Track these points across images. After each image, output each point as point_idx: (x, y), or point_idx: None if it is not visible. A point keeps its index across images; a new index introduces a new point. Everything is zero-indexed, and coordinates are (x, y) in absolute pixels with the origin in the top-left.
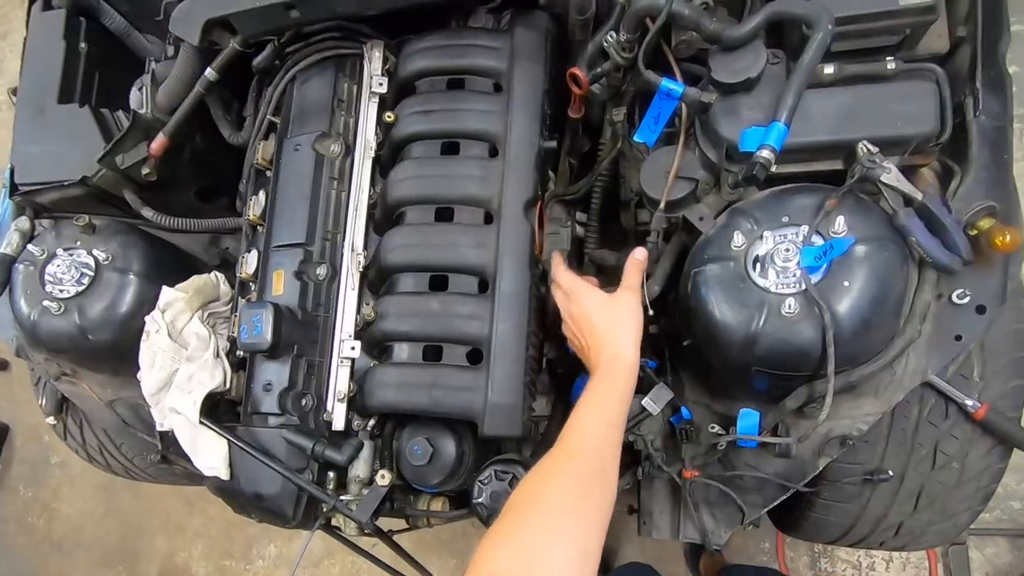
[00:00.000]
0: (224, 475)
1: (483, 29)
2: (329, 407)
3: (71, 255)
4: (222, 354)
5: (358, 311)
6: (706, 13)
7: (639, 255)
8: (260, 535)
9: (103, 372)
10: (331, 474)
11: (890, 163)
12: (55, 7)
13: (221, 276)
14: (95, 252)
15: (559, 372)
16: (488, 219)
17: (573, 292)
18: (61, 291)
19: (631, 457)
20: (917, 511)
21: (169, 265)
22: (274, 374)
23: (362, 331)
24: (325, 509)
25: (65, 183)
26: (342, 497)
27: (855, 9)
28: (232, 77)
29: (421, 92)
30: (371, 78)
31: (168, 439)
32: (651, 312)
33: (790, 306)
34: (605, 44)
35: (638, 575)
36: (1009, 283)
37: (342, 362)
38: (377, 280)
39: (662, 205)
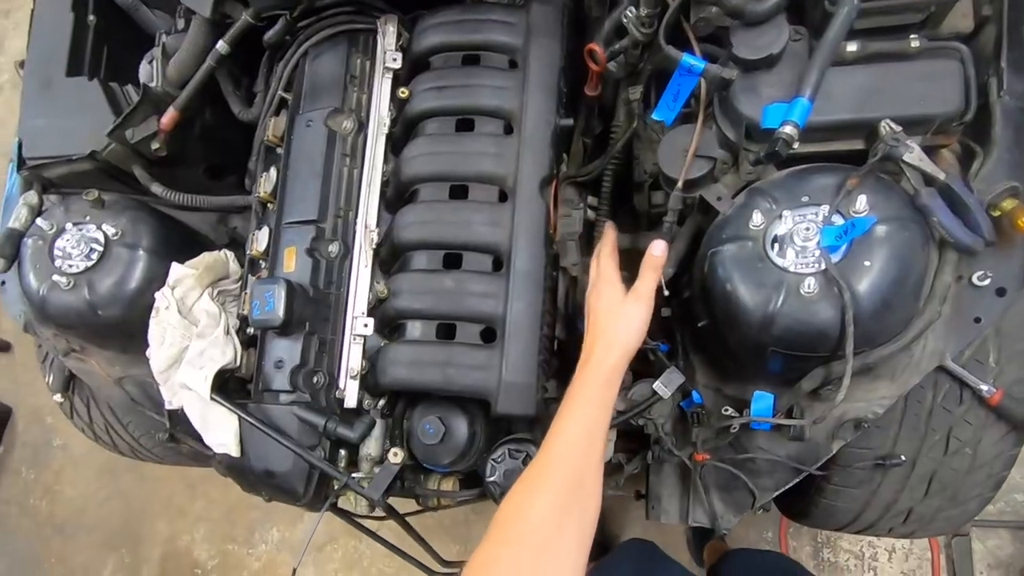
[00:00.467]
0: (234, 452)
1: (499, 4)
2: (341, 384)
3: (80, 230)
4: (232, 331)
5: (370, 289)
6: None
7: (657, 250)
8: (263, 519)
9: (112, 349)
10: (342, 452)
11: (913, 142)
12: None
13: (231, 254)
14: (104, 227)
15: (569, 354)
16: (503, 197)
17: (599, 277)
18: (70, 266)
19: (639, 442)
20: (928, 497)
21: (178, 242)
22: (285, 351)
23: (374, 309)
24: (337, 487)
25: (74, 157)
26: (353, 475)
27: None
28: (242, 53)
29: (435, 68)
30: (385, 53)
31: (176, 417)
32: (666, 293)
33: (809, 286)
34: (624, 19)
35: (640, 552)
36: None
37: (355, 339)
38: (389, 259)
39: (680, 184)
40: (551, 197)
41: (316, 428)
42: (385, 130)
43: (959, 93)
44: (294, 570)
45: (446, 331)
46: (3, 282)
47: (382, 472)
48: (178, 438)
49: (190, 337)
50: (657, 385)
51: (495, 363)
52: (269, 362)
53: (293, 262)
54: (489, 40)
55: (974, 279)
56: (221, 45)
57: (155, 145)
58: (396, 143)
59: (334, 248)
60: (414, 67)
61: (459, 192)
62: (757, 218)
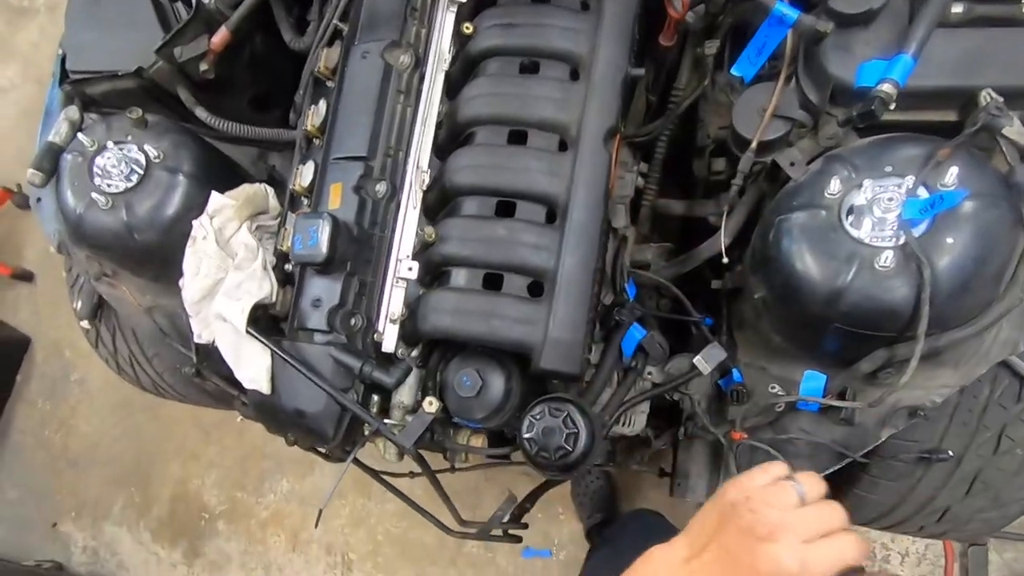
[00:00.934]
0: (265, 389)
1: None
2: (380, 328)
3: (122, 149)
4: (269, 267)
5: (416, 233)
6: None
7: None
8: (274, 469)
9: (144, 276)
10: (375, 398)
11: (1014, 115)
12: None
13: (271, 189)
14: (147, 148)
15: (612, 321)
16: (563, 146)
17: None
18: (109, 185)
19: (667, 420)
20: (968, 496)
21: (219, 172)
22: (324, 290)
23: (419, 254)
24: (367, 432)
25: (119, 73)
26: (385, 421)
27: None
28: None
29: (503, 4)
30: None
31: (204, 352)
32: (725, 260)
33: (886, 260)
34: None
35: (646, 522)
36: None
37: (397, 283)
38: (436, 204)
39: (753, 145)
40: (614, 150)
41: (351, 370)
42: (445, 67)
43: None
44: (320, 511)
45: (492, 281)
46: (39, 199)
47: (415, 420)
48: (204, 374)
49: (226, 269)
50: (698, 360)
51: (541, 317)
52: (306, 300)
53: (339, 199)
54: None
55: None
56: None
57: (203, 66)
58: (452, 84)
59: (381, 188)
60: (479, 2)
61: (518, 138)
62: (834, 186)
